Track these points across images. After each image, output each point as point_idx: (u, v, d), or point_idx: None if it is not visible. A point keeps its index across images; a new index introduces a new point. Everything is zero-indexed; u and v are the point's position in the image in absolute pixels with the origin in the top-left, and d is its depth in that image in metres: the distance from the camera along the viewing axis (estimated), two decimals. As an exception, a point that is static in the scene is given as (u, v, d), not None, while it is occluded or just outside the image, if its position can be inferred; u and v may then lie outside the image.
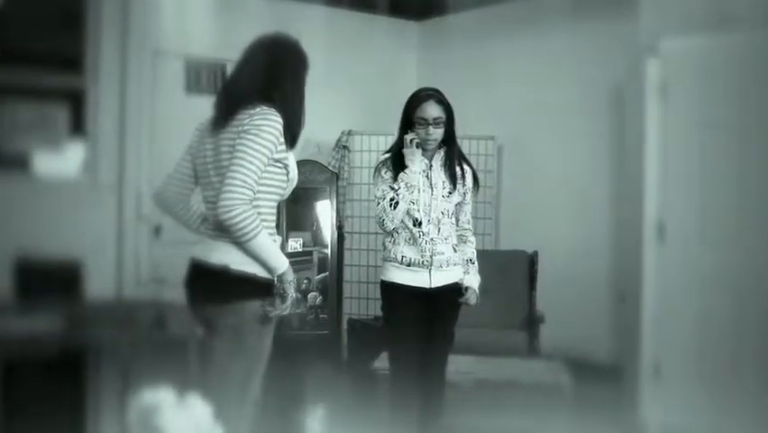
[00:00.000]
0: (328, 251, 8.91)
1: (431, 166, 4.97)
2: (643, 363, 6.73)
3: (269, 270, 3.76)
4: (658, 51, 6.71)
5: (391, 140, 8.68)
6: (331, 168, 8.88)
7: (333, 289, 8.89)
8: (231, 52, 8.92)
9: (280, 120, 3.70)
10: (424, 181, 4.94)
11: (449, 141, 5.01)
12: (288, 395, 7.34)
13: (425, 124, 4.91)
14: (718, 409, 6.21)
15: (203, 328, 3.85)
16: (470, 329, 7.11)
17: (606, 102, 8.15)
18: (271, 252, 3.73)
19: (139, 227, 8.06)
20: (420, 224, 4.92)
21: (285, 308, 3.83)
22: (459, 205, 5.05)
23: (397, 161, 4.99)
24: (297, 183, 8.31)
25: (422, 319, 4.98)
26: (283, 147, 3.74)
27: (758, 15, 6.23)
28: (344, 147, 8.85)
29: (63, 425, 3.91)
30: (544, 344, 7.21)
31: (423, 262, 4.91)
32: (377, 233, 8.67)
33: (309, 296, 8.82)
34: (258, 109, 3.69)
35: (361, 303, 8.75)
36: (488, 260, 7.68)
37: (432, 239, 4.91)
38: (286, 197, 3.99)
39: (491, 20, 9.17)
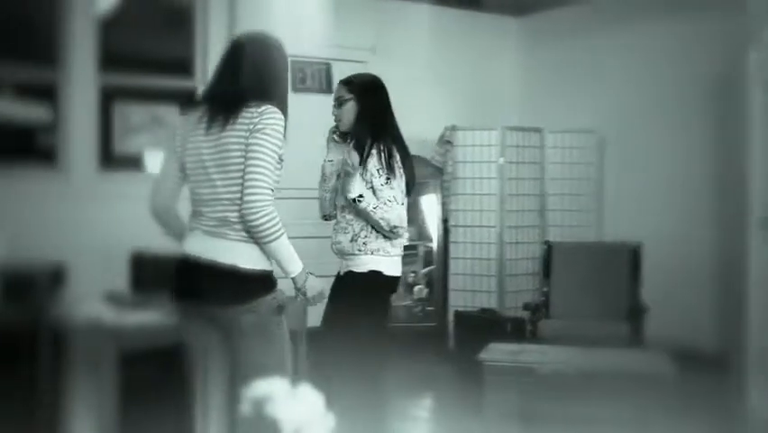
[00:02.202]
0: (434, 244, 8.99)
1: (349, 152, 4.91)
2: (749, 353, 6.69)
3: (284, 271, 3.78)
4: (762, 42, 6.65)
5: (495, 134, 8.77)
6: (435, 163, 8.94)
7: (439, 281, 8.96)
8: (336, 52, 9.08)
9: (283, 117, 3.73)
10: (343, 170, 4.92)
11: (360, 123, 4.92)
12: (396, 386, 7.45)
13: (333, 106, 4.96)
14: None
15: (216, 328, 3.88)
16: (574, 320, 7.17)
17: (709, 93, 8.10)
18: (289, 254, 3.74)
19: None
20: (338, 212, 4.97)
21: (310, 301, 3.90)
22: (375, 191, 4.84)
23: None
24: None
25: (339, 304, 4.95)
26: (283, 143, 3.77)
27: None
28: (448, 142, 8.90)
29: (176, 413, 4.05)
30: (648, 334, 7.19)
31: (333, 249, 4.97)
32: (482, 226, 8.74)
33: (415, 289, 8.91)
34: (264, 108, 3.69)
35: (467, 295, 8.80)
36: (590, 252, 7.72)
37: (337, 229, 4.93)
38: None
39: (591, 14, 9.15)
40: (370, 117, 4.89)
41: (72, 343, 5.39)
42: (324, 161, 5.01)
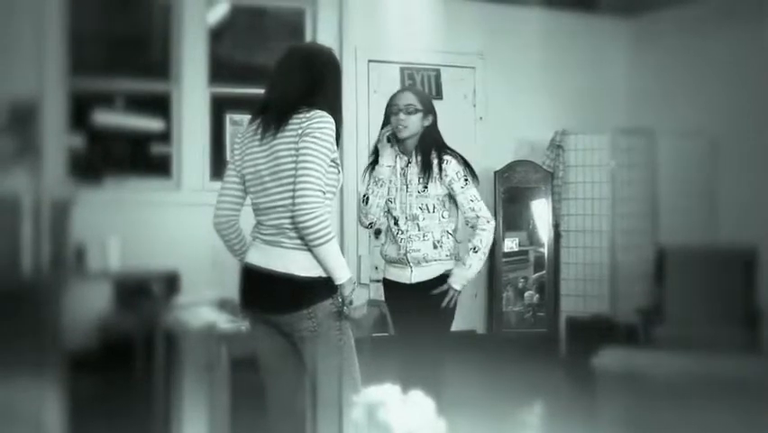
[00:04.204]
0: (545, 249, 8.93)
1: (408, 162, 4.91)
2: None
3: (332, 277, 3.73)
4: None
5: (605, 138, 8.68)
6: (545, 167, 8.90)
7: (550, 287, 8.90)
8: (445, 57, 9.09)
9: (333, 121, 3.74)
10: (400, 180, 4.90)
11: (427, 135, 4.93)
12: (508, 392, 7.42)
13: (397, 110, 4.84)
14: None
15: (282, 335, 3.88)
16: (688, 326, 7.06)
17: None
18: (338, 260, 3.72)
19: (360, 230, 8.28)
20: (398, 222, 4.90)
21: (353, 312, 3.80)
22: (449, 197, 4.90)
23: (376, 159, 4.99)
24: (513, 182, 8.35)
25: (404, 312, 4.95)
26: (335, 147, 3.77)
27: None
28: (559, 146, 8.85)
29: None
30: (766, 340, 7.06)
31: (401, 259, 4.89)
32: (593, 230, 8.66)
33: (526, 294, 8.87)
34: (312, 113, 3.71)
35: (578, 300, 8.74)
36: (704, 256, 7.60)
37: (409, 237, 4.86)
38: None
39: (701, 14, 9.01)
40: (437, 131, 4.95)
41: (187, 348, 5.48)
42: (381, 165, 4.93)
